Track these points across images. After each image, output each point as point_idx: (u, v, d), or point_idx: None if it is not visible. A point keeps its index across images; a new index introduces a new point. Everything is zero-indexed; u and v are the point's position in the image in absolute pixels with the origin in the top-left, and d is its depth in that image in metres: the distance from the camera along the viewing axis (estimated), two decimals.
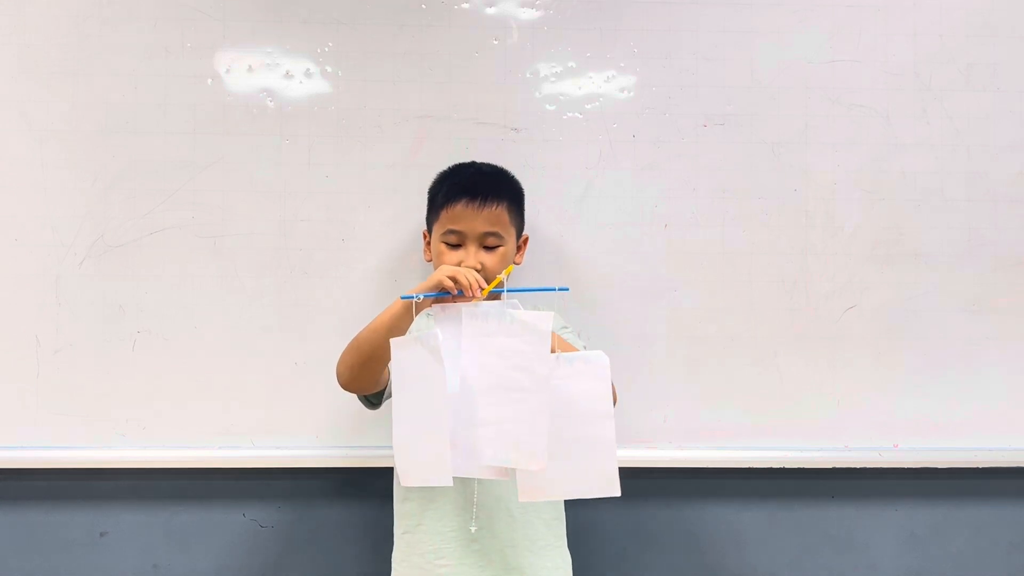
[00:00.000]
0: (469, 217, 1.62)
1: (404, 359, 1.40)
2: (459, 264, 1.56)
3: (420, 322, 1.54)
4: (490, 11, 1.89)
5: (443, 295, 1.41)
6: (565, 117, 1.90)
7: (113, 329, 1.84)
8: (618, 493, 1.37)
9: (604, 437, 1.38)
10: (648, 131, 1.90)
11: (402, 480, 1.43)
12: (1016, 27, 1.95)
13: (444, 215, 1.64)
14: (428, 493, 1.59)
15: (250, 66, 1.87)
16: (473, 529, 1.56)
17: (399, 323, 1.45)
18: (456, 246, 1.62)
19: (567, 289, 1.44)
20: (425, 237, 1.74)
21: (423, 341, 1.37)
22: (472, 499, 1.56)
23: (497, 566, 1.58)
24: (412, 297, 1.41)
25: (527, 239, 1.75)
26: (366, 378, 1.54)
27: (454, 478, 1.56)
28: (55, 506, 1.89)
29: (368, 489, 1.88)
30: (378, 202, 1.87)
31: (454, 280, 1.40)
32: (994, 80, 1.94)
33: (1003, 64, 1.94)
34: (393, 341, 1.41)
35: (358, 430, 1.84)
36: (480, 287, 1.41)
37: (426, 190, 1.74)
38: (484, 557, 1.57)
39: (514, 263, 1.68)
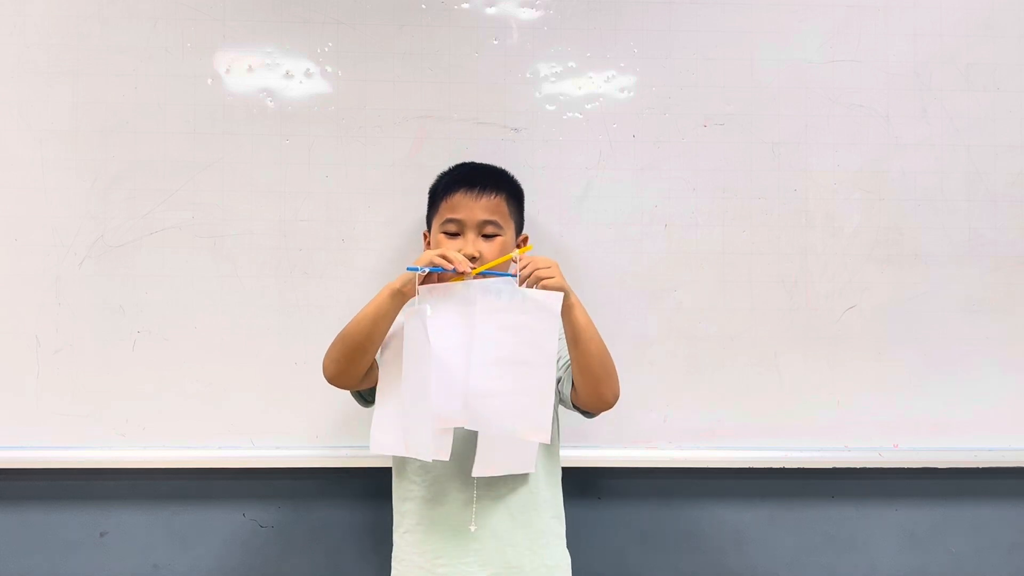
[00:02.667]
0: (467, 205, 1.62)
1: (397, 336, 1.49)
2: (457, 252, 1.57)
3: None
4: (490, 11, 1.89)
5: (436, 270, 1.48)
6: (565, 117, 1.90)
7: (113, 329, 1.84)
8: (547, 440, 1.46)
9: (548, 382, 1.46)
10: (648, 131, 1.90)
11: (372, 447, 1.52)
12: (1016, 27, 1.95)
13: (443, 206, 1.64)
14: (428, 492, 1.59)
15: (250, 66, 1.87)
16: (473, 528, 1.56)
17: (384, 313, 1.49)
18: (455, 235, 1.63)
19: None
20: (425, 238, 1.74)
21: (414, 317, 1.46)
22: (472, 498, 1.56)
23: (497, 565, 1.57)
24: (416, 269, 1.47)
25: (526, 238, 1.75)
26: (352, 372, 1.54)
27: (453, 480, 1.57)
28: (55, 506, 1.89)
29: (368, 489, 1.88)
30: (378, 202, 1.87)
31: (443, 258, 1.47)
32: (994, 80, 1.94)
33: (1003, 64, 1.94)
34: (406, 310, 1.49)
35: (358, 430, 1.83)
36: (468, 265, 1.48)
37: (426, 190, 1.74)
38: (484, 556, 1.57)
39: (513, 260, 1.69)
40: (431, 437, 1.46)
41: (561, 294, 1.45)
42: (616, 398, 1.58)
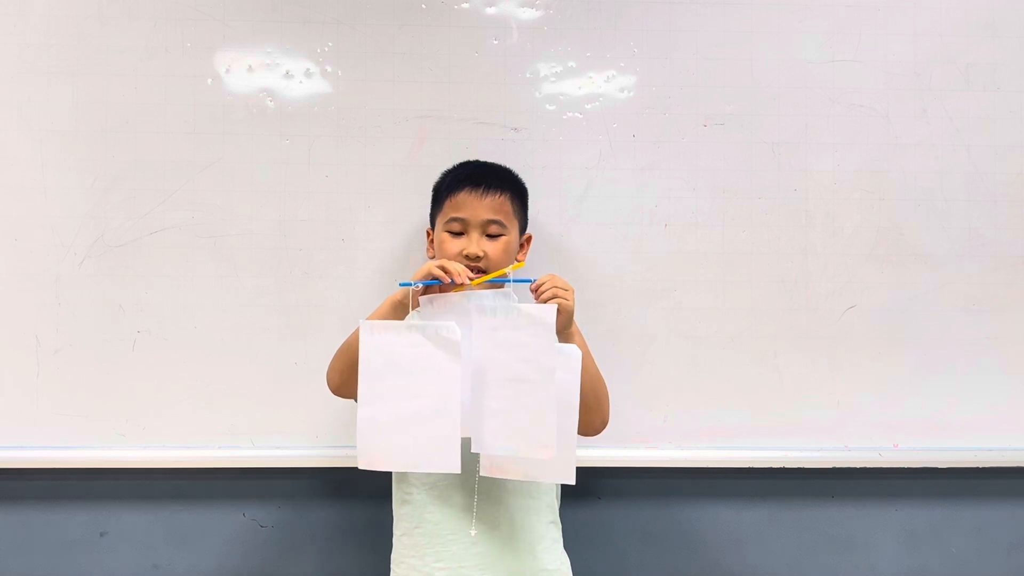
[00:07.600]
0: (472, 204, 1.62)
1: (392, 343, 1.44)
2: (460, 251, 1.59)
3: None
4: (490, 11, 1.89)
5: (434, 283, 1.47)
6: (565, 117, 1.90)
7: (113, 329, 1.84)
8: (573, 482, 1.44)
9: (570, 429, 1.44)
10: (648, 131, 1.90)
11: (366, 463, 1.47)
12: (1016, 27, 1.95)
13: (447, 204, 1.64)
14: (427, 495, 1.59)
15: (250, 66, 1.87)
16: (473, 532, 1.55)
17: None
18: (459, 234, 1.62)
19: (530, 280, 1.51)
20: (429, 235, 1.74)
21: (424, 330, 1.43)
22: (472, 502, 1.56)
23: (497, 570, 1.57)
24: (410, 284, 1.47)
25: (530, 238, 1.75)
26: (355, 383, 1.54)
27: (454, 484, 1.56)
28: (55, 506, 1.89)
29: (368, 489, 1.87)
30: (378, 202, 1.87)
31: (443, 270, 1.46)
32: (994, 80, 1.94)
33: (1003, 64, 1.94)
34: (366, 324, 1.45)
35: None
36: (468, 276, 1.47)
37: (426, 190, 1.74)
38: (483, 560, 1.56)
39: (516, 259, 1.69)
40: (457, 449, 1.43)
41: (554, 307, 1.43)
42: (604, 425, 1.61)
